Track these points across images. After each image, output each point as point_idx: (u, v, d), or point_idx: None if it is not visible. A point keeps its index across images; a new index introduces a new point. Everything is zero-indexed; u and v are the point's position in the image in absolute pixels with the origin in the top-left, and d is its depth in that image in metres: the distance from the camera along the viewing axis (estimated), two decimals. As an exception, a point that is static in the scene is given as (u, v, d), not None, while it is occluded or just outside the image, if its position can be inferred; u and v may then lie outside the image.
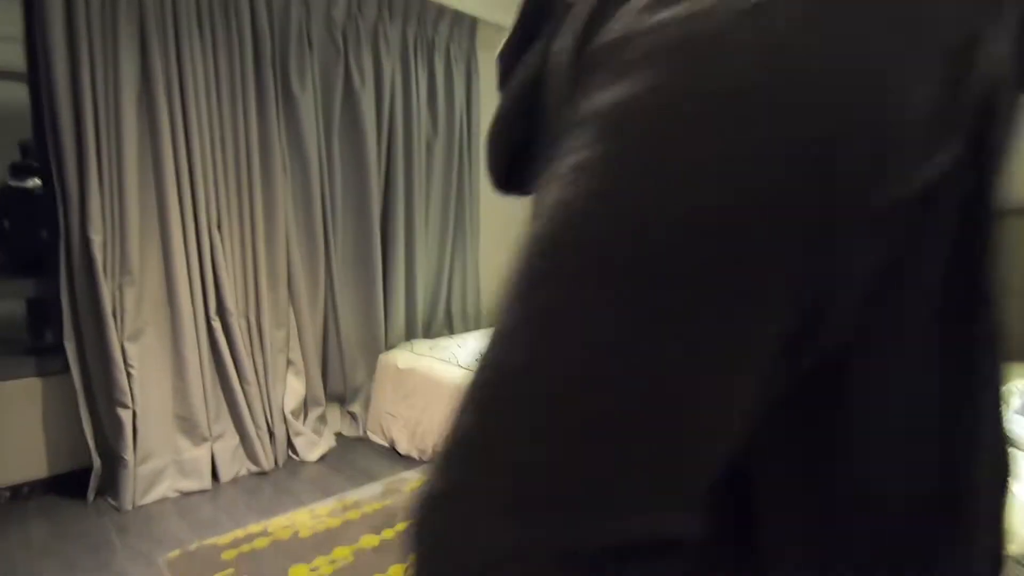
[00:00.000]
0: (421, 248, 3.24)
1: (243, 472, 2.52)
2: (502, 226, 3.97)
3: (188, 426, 2.39)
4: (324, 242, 2.83)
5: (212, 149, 2.37)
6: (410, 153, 3.12)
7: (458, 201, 3.45)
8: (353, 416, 3.02)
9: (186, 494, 2.34)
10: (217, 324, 2.44)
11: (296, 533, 2.07)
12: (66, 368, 2.20)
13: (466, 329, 3.58)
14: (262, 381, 2.59)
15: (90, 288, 2.13)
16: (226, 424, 2.51)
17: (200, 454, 2.40)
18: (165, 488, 2.32)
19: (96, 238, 2.09)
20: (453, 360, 2.70)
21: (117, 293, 2.19)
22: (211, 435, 2.44)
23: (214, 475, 2.44)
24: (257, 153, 2.50)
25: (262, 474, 2.54)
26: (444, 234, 3.42)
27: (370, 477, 2.53)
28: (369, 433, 2.96)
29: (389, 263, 3.12)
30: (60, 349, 2.20)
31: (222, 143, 2.40)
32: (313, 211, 2.75)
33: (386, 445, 2.86)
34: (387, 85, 2.93)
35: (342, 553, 1.96)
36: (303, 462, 2.66)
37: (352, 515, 2.20)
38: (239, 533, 2.06)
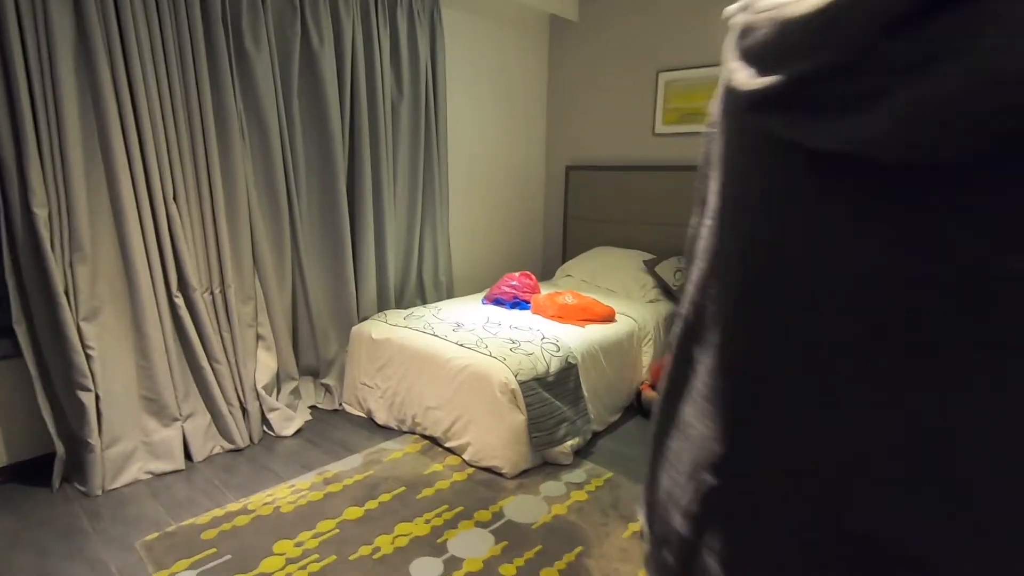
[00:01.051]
0: (390, 215, 3.16)
1: (217, 450, 2.47)
2: (472, 191, 3.89)
3: (156, 407, 2.31)
4: (289, 211, 2.71)
5: (163, 114, 2.21)
6: (375, 116, 3.00)
7: (426, 165, 3.36)
8: (328, 389, 2.98)
9: (159, 476, 2.28)
10: (180, 300, 2.33)
11: (278, 508, 2.05)
12: (18, 352, 2.08)
13: (439, 297, 3.54)
14: (231, 357, 2.51)
15: (38, 267, 2.00)
16: (196, 403, 2.44)
17: (171, 434, 2.33)
18: (136, 471, 2.25)
19: (40, 212, 1.95)
20: (428, 329, 2.67)
21: (68, 271, 2.06)
22: (181, 415, 2.37)
23: (187, 455, 2.38)
24: (212, 118, 2.35)
25: (237, 451, 2.49)
26: (413, 200, 3.33)
27: (349, 449, 2.52)
28: (345, 405, 2.92)
29: (358, 231, 3.03)
30: (10, 332, 2.07)
31: (172, 107, 2.24)
32: (275, 178, 2.62)
33: (363, 416, 2.84)
34: (348, 44, 2.78)
35: (327, 526, 1.96)
36: (279, 437, 2.62)
37: (334, 488, 2.19)
38: (218, 512, 2.03)
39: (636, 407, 2.93)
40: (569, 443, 2.38)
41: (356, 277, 3.06)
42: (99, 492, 2.15)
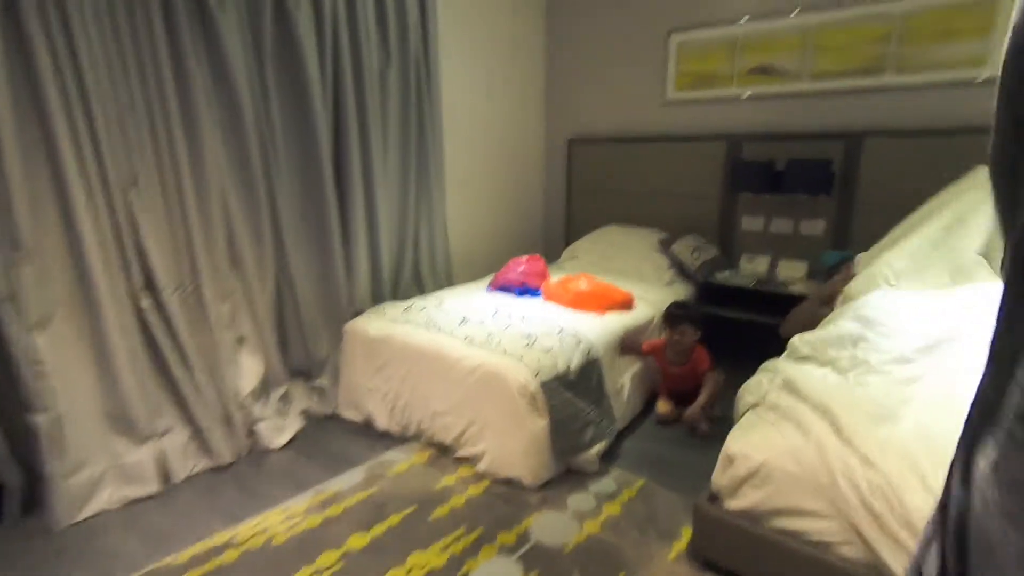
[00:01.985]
0: (382, 195, 2.85)
1: (198, 469, 2.19)
2: (467, 167, 3.58)
3: (124, 425, 2.02)
4: (268, 194, 2.40)
5: (113, 84, 1.87)
6: (361, 84, 2.66)
7: (419, 139, 3.04)
8: (321, 391, 2.70)
9: (133, 502, 2.00)
10: (147, 302, 2.03)
11: (270, 540, 1.79)
12: (-45, 370, 1.77)
13: (437, 286, 3.26)
14: (210, 363, 2.22)
15: (-30, 270, 1.68)
16: (172, 417, 2.15)
17: (144, 455, 2.05)
18: (106, 498, 1.97)
19: (-33, 205, 1.63)
20: (432, 325, 2.39)
21: (11, 274, 1.75)
22: (155, 432, 2.08)
23: (164, 477, 2.10)
24: (172, 87, 2.01)
25: (221, 469, 2.21)
26: (406, 177, 3.02)
27: (347, 461, 2.26)
28: (341, 409, 2.65)
29: (347, 214, 2.72)
30: (-58, 347, 1.76)
31: (125, 75, 1.90)
32: (250, 157, 2.30)
33: (361, 422, 2.57)
34: (327, 2, 2.44)
35: (328, 560, 1.70)
36: (269, 450, 2.35)
37: (333, 511, 1.93)
38: (201, 547, 1.76)
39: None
40: (595, 448, 2.14)
41: (347, 267, 2.76)
42: (64, 525, 1.87)
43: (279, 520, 1.88)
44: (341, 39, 2.54)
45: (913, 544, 1.24)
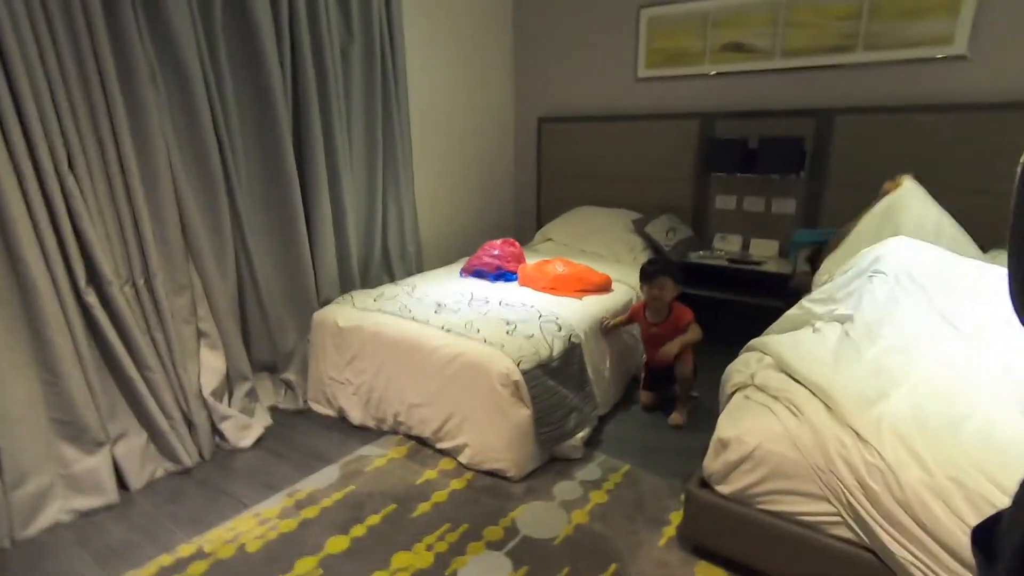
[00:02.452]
0: (347, 177, 2.70)
1: (160, 474, 2.05)
2: (434, 147, 3.45)
3: (73, 430, 1.85)
4: (224, 177, 2.22)
5: (42, 58, 1.68)
6: (322, 60, 2.50)
7: (385, 118, 2.89)
8: (289, 385, 2.57)
9: (86, 514, 1.85)
10: (92, 297, 1.85)
11: (242, 547, 1.68)
12: None
13: (407, 272, 3.14)
14: (167, 361, 2.06)
15: None
16: (127, 420, 1.99)
17: (96, 462, 1.89)
18: (55, 511, 1.81)
19: None
20: (406, 313, 2.29)
21: (-71, 269, 1.56)
22: (108, 437, 1.92)
23: (122, 484, 1.95)
24: (112, 62, 1.82)
25: (185, 473, 2.08)
26: (372, 158, 2.87)
27: (321, 459, 2.15)
28: (311, 403, 2.53)
29: (311, 198, 2.57)
30: None
31: (56, 51, 1.70)
32: (203, 138, 2.12)
33: (334, 416, 2.45)
34: (282, -32, 2.26)
35: (307, 566, 1.61)
36: (236, 450, 2.21)
37: (309, 512, 1.83)
38: (166, 559, 1.64)
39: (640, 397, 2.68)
40: (580, 435, 2.10)
41: (313, 253, 2.61)
42: (8, 544, 1.71)
43: (251, 525, 1.77)
44: (299, 13, 2.37)
45: (909, 522, 1.24)
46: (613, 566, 1.60)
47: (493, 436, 1.97)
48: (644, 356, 2.58)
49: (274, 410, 2.51)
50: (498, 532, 1.73)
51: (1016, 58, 2.44)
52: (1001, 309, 1.75)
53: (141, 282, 1.99)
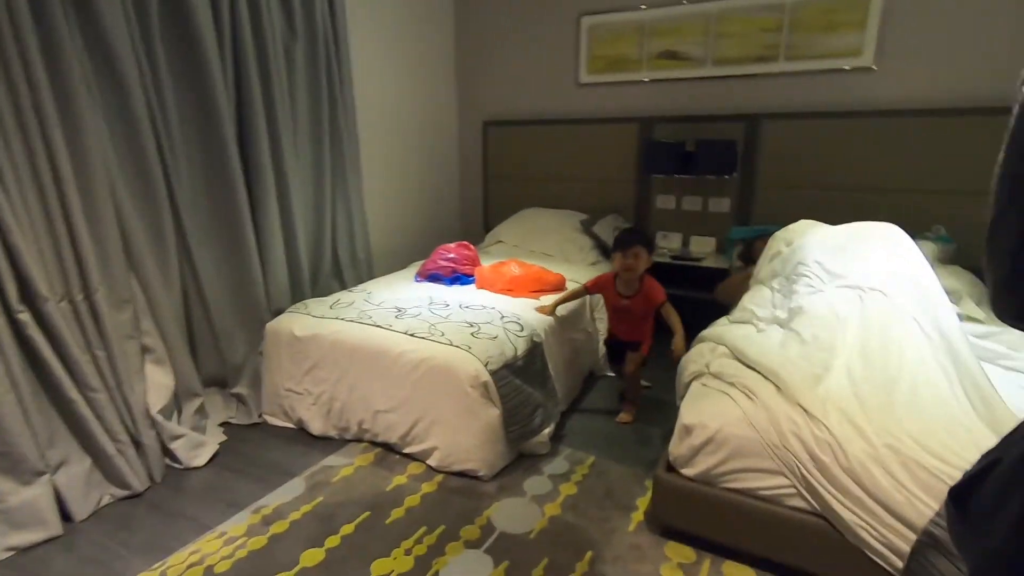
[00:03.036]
0: (296, 184, 2.63)
1: (107, 501, 1.92)
2: (380, 151, 3.41)
3: (7, 462, 1.70)
4: (166, 184, 2.12)
5: (-41, 55, 1.54)
6: (265, 60, 2.42)
7: (332, 120, 2.84)
8: (240, 399, 2.47)
9: (26, 550, 1.71)
10: (26, 315, 1.71)
11: (210, 569, 1.62)
12: None
13: (359, 279, 3.09)
14: (110, 381, 1.93)
15: None
16: (68, 446, 1.86)
17: (35, 493, 1.74)
18: (-10, 550, 1.66)
19: None
20: (366, 319, 2.26)
21: None
22: (47, 465, 1.78)
23: (65, 515, 1.82)
24: (41, 63, 1.69)
25: (135, 497, 1.96)
26: (319, 162, 2.81)
27: (283, 472, 2.09)
28: (267, 417, 2.44)
29: (258, 204, 2.49)
30: None
31: (-25, 45, 1.57)
32: (142, 143, 2.01)
33: (292, 427, 2.39)
34: (222, -34, 2.18)
35: (283, 582, 1.57)
36: (189, 470, 2.11)
37: (278, 528, 1.79)
38: (127, 590, 1.55)
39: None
40: (546, 431, 2.16)
41: (262, 261, 2.52)
42: (-65, 590, 1.56)
43: (217, 546, 1.70)
44: (240, 10, 2.29)
45: (855, 489, 1.38)
46: (589, 553, 1.66)
47: (463, 437, 1.99)
48: (605, 336, 2.58)
49: (227, 426, 2.41)
50: (475, 531, 1.76)
51: (916, 70, 2.73)
52: (897, 265, 1.94)
53: (79, 297, 1.86)
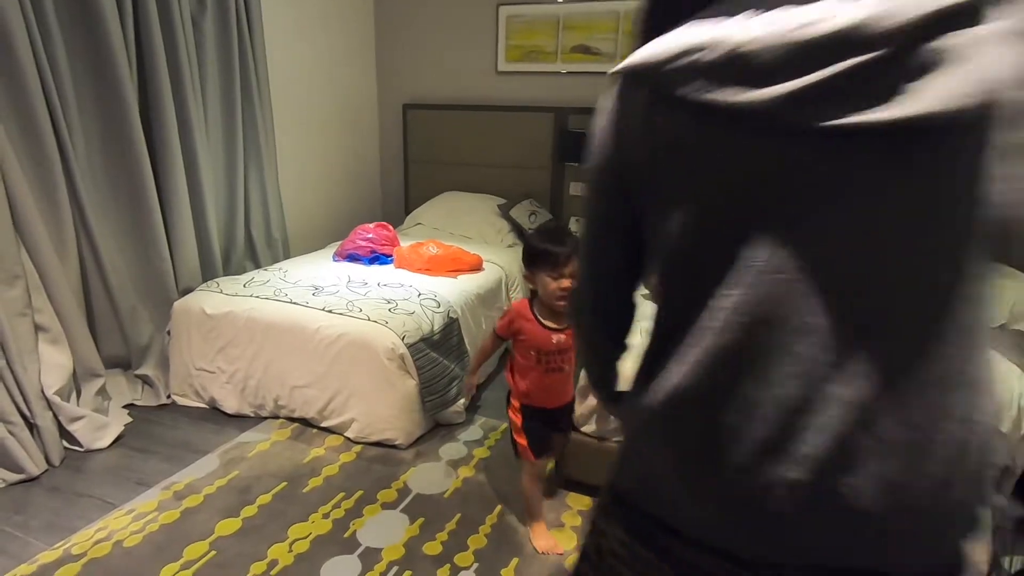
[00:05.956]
0: (205, 156, 2.55)
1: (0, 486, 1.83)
2: (297, 130, 3.36)
3: None
4: (60, 153, 2.01)
5: None
6: (171, 31, 2.33)
7: (244, 94, 2.77)
8: (147, 381, 2.39)
9: (-96, 539, 1.61)
10: (-103, 290, 1.60)
11: (119, 544, 1.61)
12: None
13: (274, 258, 3.05)
14: (0, 359, 1.83)
15: None
16: (-49, 429, 1.75)
17: (-85, 479, 1.64)
18: None
19: None
20: (282, 296, 2.27)
21: None
22: (-72, 449, 1.68)
23: (-51, 501, 1.72)
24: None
25: (30, 481, 1.87)
26: (231, 137, 2.74)
27: (194, 451, 2.07)
28: (176, 397, 2.39)
29: (164, 178, 2.40)
30: None
31: None
32: (32, 108, 1.90)
33: (204, 407, 2.35)
34: (122, -74, 2.07)
35: (198, 551, 1.60)
36: (92, 452, 2.04)
37: (192, 502, 1.80)
38: (24, 569, 1.52)
39: None
40: (461, 401, 2.27)
41: (170, 239, 2.44)
42: None
43: (126, 522, 1.68)
44: (142, -26, 2.19)
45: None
46: (498, 507, 1.81)
47: (381, 408, 2.07)
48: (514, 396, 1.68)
49: (133, 408, 2.33)
50: (392, 494, 1.85)
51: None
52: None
53: (-38, 271, 1.75)
